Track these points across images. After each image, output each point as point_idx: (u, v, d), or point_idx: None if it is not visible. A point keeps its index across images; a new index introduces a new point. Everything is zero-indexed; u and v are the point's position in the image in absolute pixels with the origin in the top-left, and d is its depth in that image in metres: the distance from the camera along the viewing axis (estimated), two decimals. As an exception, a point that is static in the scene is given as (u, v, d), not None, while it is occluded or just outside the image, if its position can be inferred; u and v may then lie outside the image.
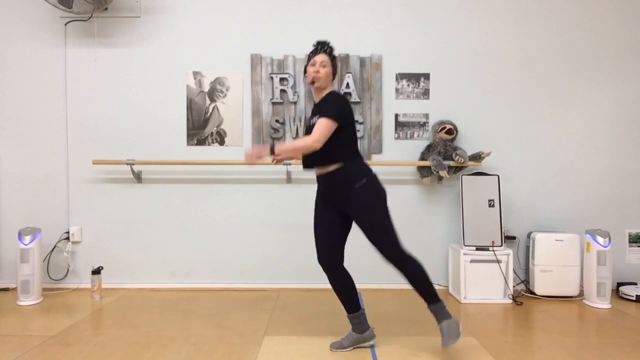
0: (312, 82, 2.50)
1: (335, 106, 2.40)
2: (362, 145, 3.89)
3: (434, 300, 2.44)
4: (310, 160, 2.51)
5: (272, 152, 2.40)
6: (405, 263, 2.41)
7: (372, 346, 2.63)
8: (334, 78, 2.56)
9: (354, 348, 2.60)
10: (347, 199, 2.43)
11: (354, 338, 2.59)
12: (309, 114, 2.59)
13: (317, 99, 2.57)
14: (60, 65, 3.89)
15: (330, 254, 2.52)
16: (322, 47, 2.53)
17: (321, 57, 2.50)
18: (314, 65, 2.50)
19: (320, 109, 2.46)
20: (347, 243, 3.89)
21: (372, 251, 3.91)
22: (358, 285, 3.91)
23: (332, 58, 2.54)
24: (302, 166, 2.60)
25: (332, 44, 2.41)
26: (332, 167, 2.45)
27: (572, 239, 3.61)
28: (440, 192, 3.93)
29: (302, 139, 2.39)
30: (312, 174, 3.89)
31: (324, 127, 2.36)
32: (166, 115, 3.91)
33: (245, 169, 3.90)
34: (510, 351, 2.59)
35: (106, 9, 3.80)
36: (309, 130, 2.52)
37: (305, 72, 2.62)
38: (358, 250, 3.89)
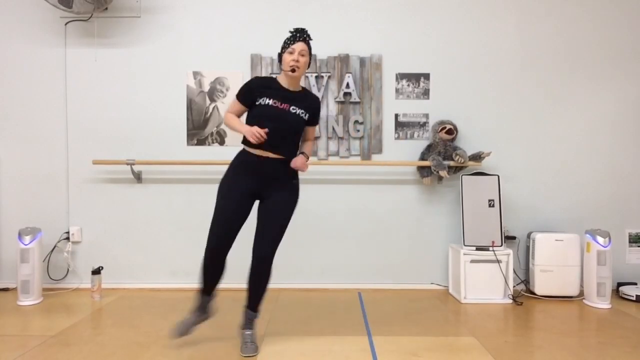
0: (292, 71, 2.47)
1: (319, 115, 2.72)
2: (362, 145, 3.89)
3: (257, 310, 2.62)
4: (283, 149, 2.51)
5: (307, 158, 2.60)
6: (271, 265, 2.54)
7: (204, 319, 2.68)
8: (308, 67, 2.60)
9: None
10: (283, 187, 2.54)
11: (200, 317, 2.65)
12: (260, 92, 2.52)
13: (290, 86, 2.56)
14: (60, 65, 3.89)
15: (230, 239, 2.50)
16: (302, 35, 2.50)
17: (300, 46, 2.48)
18: (292, 53, 2.47)
19: (303, 103, 2.55)
20: (347, 242, 3.90)
21: (373, 251, 3.91)
22: (358, 285, 3.91)
23: (309, 46, 2.54)
24: (259, 149, 2.50)
25: (309, 31, 2.45)
26: (288, 158, 2.53)
27: (572, 239, 3.61)
28: (440, 192, 3.93)
29: (308, 144, 2.71)
30: (310, 175, 3.89)
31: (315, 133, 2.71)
32: (166, 115, 3.91)
33: (245, 169, 3.90)
34: (510, 351, 2.59)
35: (106, 9, 3.80)
36: (282, 114, 2.47)
37: (279, 59, 2.55)
38: (358, 249, 3.89)
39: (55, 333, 2.84)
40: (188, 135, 3.91)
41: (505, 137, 3.93)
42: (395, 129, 3.92)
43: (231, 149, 3.90)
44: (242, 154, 2.57)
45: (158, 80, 3.91)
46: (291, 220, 2.61)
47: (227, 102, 3.90)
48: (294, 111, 2.51)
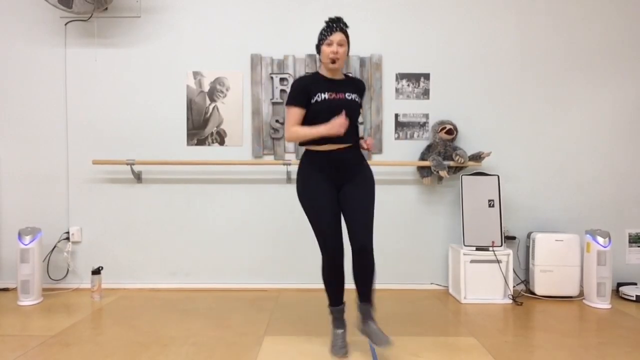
0: (333, 62, 2.43)
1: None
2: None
3: (372, 300, 2.52)
4: (350, 136, 2.47)
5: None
6: (373, 252, 2.46)
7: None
8: (347, 55, 2.54)
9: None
10: (358, 173, 2.50)
11: (343, 335, 2.58)
12: (313, 90, 2.47)
13: (335, 76, 2.53)
14: (60, 65, 3.89)
15: (340, 235, 2.48)
16: (338, 24, 2.45)
17: (338, 36, 2.43)
18: (330, 45, 2.42)
19: (352, 87, 2.55)
20: (347, 242, 3.88)
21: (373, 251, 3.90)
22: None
23: (347, 35, 2.49)
24: (328, 144, 2.45)
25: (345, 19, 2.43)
26: (356, 145, 2.54)
27: (572, 239, 3.61)
28: (440, 192, 3.93)
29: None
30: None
31: None
32: (166, 115, 3.91)
33: (245, 169, 3.90)
34: (510, 351, 2.59)
35: (106, 9, 3.79)
36: (341, 103, 2.45)
37: (318, 51, 2.50)
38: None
39: (55, 333, 2.84)
40: (188, 135, 3.90)
41: (505, 137, 3.93)
42: (395, 129, 3.92)
43: (231, 149, 3.90)
44: (308, 156, 2.53)
45: (158, 80, 3.91)
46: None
47: (227, 102, 3.90)
48: (349, 97, 2.50)
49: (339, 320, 2.60)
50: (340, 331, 2.57)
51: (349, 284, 2.56)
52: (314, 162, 2.49)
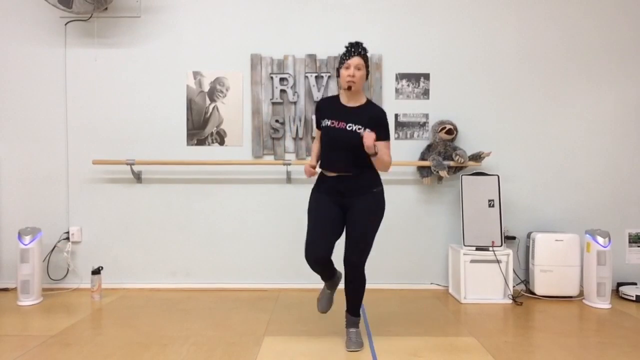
0: (349, 88, 2.49)
1: (388, 127, 2.58)
2: (362, 145, 3.89)
3: (358, 314, 2.69)
4: (345, 167, 2.53)
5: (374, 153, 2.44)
6: (364, 274, 2.62)
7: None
8: (366, 79, 2.57)
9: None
10: (361, 198, 2.55)
11: (329, 291, 2.78)
12: (322, 114, 2.61)
13: (350, 102, 2.57)
14: (60, 65, 3.89)
15: (328, 248, 2.54)
16: (357, 49, 2.49)
17: (356, 60, 2.47)
18: (348, 68, 2.47)
19: (360, 117, 2.51)
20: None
21: (373, 251, 3.90)
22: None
23: (366, 59, 2.53)
24: (329, 170, 2.58)
25: (364, 44, 2.43)
26: (361, 172, 2.55)
27: (572, 239, 3.61)
28: (440, 192, 3.93)
29: (387, 156, 2.50)
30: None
31: (389, 150, 2.55)
32: (166, 115, 3.91)
33: (245, 169, 3.90)
34: (510, 351, 2.59)
35: (106, 9, 3.79)
36: (338, 133, 2.50)
37: (338, 74, 2.56)
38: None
39: (55, 333, 2.84)
40: (188, 135, 3.90)
41: (505, 137, 3.93)
42: (395, 129, 3.92)
43: (231, 149, 3.91)
44: (320, 174, 2.68)
45: (158, 80, 3.91)
46: (376, 228, 2.62)
47: (227, 102, 3.90)
48: (350, 128, 2.50)
49: (329, 285, 2.76)
50: (328, 291, 2.77)
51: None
52: (321, 180, 2.67)
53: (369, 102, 2.60)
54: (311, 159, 2.75)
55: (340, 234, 2.64)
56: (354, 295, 2.64)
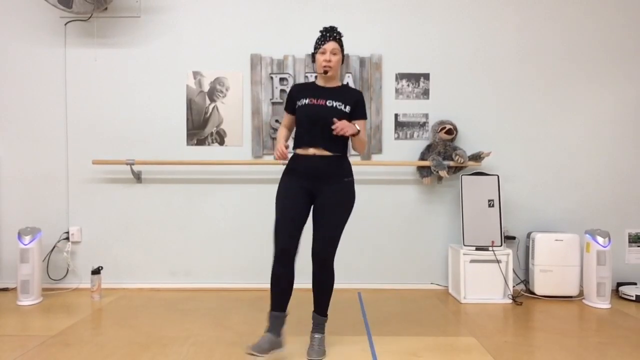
0: (325, 72, 2.49)
1: (366, 109, 2.61)
2: (362, 145, 3.89)
3: (325, 314, 2.58)
4: (324, 144, 2.47)
5: (357, 131, 2.43)
6: (333, 269, 2.52)
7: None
8: (342, 63, 2.58)
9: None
10: (333, 186, 2.48)
11: (273, 340, 2.39)
12: (298, 95, 2.57)
13: (325, 84, 2.57)
14: (60, 65, 3.89)
15: (296, 238, 2.48)
16: (332, 34, 2.49)
17: (331, 45, 2.47)
18: (324, 53, 2.48)
19: (340, 96, 2.51)
20: (347, 242, 3.88)
21: (373, 251, 3.91)
22: (358, 285, 3.91)
23: (341, 44, 2.53)
24: (305, 148, 2.49)
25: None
26: (335, 155, 2.50)
27: (572, 239, 3.61)
28: (440, 192, 3.93)
29: (365, 135, 2.53)
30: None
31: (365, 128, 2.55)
32: (166, 115, 3.91)
33: (245, 169, 3.90)
34: (510, 351, 2.59)
35: (106, 9, 3.79)
36: (318, 109, 2.47)
37: (313, 59, 2.56)
38: (358, 249, 3.89)
39: (55, 333, 2.84)
40: (188, 135, 3.90)
41: (505, 137, 3.93)
42: (395, 129, 3.92)
43: (231, 149, 3.90)
44: (291, 159, 2.58)
45: (158, 80, 3.91)
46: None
47: (227, 102, 3.90)
48: (330, 104, 2.49)
49: (273, 327, 2.42)
50: (269, 334, 2.39)
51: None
52: (292, 164, 2.56)
53: (345, 85, 2.65)
54: (279, 141, 2.53)
55: (305, 223, 2.52)
56: (323, 292, 2.53)
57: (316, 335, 2.55)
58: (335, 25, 2.56)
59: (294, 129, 2.62)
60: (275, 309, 2.45)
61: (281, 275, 2.46)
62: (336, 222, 2.47)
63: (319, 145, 2.47)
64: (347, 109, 2.51)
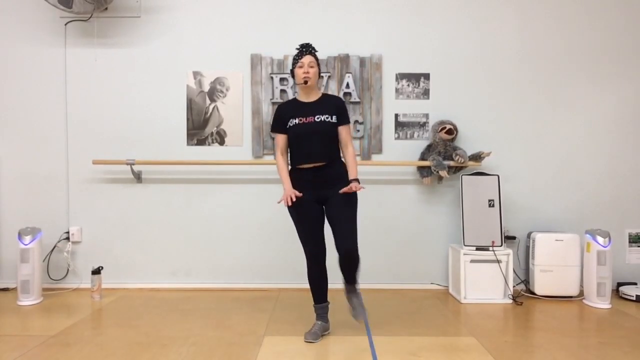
0: (305, 82, 2.68)
1: (348, 113, 2.83)
2: (362, 145, 3.89)
3: (357, 281, 2.78)
4: (321, 156, 2.69)
5: (358, 181, 2.70)
6: (359, 254, 2.71)
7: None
8: (319, 77, 2.80)
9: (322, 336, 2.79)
10: (337, 187, 2.68)
11: (324, 326, 2.82)
12: (287, 115, 2.75)
13: (307, 98, 2.77)
14: (60, 65, 3.89)
15: (322, 241, 2.77)
16: (307, 49, 2.72)
17: (308, 59, 2.70)
18: (302, 67, 2.69)
19: (324, 107, 2.73)
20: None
21: (373, 251, 3.91)
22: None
23: (316, 58, 2.75)
24: (304, 163, 2.72)
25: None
26: (333, 161, 2.74)
27: (572, 239, 3.61)
28: (440, 192, 3.93)
29: (350, 154, 2.74)
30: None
31: (350, 132, 2.82)
32: (166, 115, 3.91)
33: (245, 169, 3.90)
34: (510, 351, 2.59)
35: (106, 9, 3.80)
36: (310, 127, 2.69)
37: (292, 75, 2.77)
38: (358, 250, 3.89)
39: (55, 333, 2.84)
40: (188, 135, 3.91)
41: (505, 137, 3.93)
42: (395, 129, 3.92)
43: (231, 149, 3.91)
44: (293, 172, 2.77)
45: (158, 80, 3.91)
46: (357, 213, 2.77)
47: (227, 102, 3.90)
48: (319, 119, 2.70)
49: (321, 316, 2.84)
50: (319, 322, 2.82)
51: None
52: (296, 178, 2.75)
53: (325, 94, 2.82)
54: (286, 184, 2.73)
55: (324, 224, 2.78)
56: (355, 271, 2.73)
57: (354, 299, 2.73)
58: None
59: (288, 150, 2.81)
60: (318, 302, 2.83)
61: (317, 276, 2.80)
62: (351, 216, 2.69)
63: (316, 158, 2.69)
64: (334, 118, 2.73)
